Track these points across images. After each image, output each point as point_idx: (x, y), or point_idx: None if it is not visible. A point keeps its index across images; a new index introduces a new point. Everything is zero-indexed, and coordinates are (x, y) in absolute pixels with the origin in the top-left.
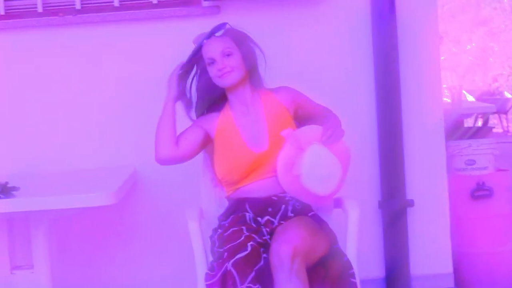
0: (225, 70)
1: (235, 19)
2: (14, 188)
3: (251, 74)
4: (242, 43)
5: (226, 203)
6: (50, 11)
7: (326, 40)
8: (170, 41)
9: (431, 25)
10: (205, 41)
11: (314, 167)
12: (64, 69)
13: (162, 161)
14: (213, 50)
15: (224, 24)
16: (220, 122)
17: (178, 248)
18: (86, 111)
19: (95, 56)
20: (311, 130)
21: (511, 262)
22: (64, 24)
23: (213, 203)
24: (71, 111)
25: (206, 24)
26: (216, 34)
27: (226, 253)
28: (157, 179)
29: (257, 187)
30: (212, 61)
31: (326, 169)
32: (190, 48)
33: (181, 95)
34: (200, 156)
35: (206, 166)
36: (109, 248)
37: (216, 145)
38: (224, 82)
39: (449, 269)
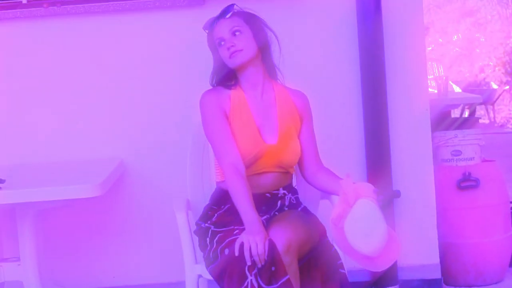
0: (234, 49)
1: (219, 10)
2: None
3: (264, 58)
4: (253, 22)
5: (213, 190)
6: (34, 3)
7: (311, 31)
8: (155, 31)
9: (416, 16)
10: (216, 22)
11: (357, 221)
12: (48, 61)
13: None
14: (222, 30)
15: (231, 6)
16: (233, 100)
17: (165, 239)
18: (72, 103)
19: (80, 48)
20: (367, 186)
21: (498, 252)
22: (49, 15)
23: (200, 194)
24: (56, 103)
25: (191, 15)
26: (226, 16)
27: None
28: (144, 170)
29: (254, 182)
30: (222, 41)
31: (368, 225)
32: (175, 39)
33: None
34: (187, 145)
35: (193, 156)
36: (96, 239)
37: (229, 125)
38: (234, 61)
39: (436, 259)
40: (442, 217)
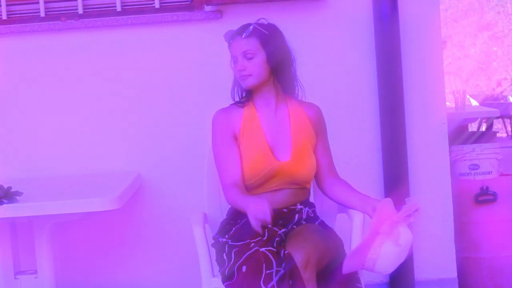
0: (243, 73)
1: (237, 23)
2: (17, 193)
3: (279, 76)
4: (269, 44)
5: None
6: (52, 16)
7: (328, 46)
8: (172, 45)
9: (433, 30)
10: (233, 39)
11: (400, 250)
12: (66, 74)
13: None
14: (236, 49)
15: (249, 26)
16: (244, 119)
17: (182, 253)
18: (89, 116)
19: (98, 61)
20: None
21: None
22: (66, 28)
23: (217, 208)
24: (74, 115)
25: (208, 29)
26: (243, 36)
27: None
28: (161, 184)
29: (270, 198)
30: (235, 60)
31: (404, 254)
32: (193, 52)
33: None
34: (205, 160)
35: (210, 170)
36: (113, 252)
37: (240, 144)
38: (243, 83)
39: (454, 274)
40: (460, 231)
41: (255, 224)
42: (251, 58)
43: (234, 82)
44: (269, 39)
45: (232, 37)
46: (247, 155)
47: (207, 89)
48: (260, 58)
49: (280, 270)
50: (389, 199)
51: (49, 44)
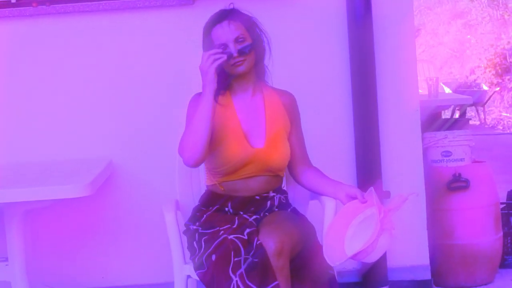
0: (239, 58)
1: (209, 10)
2: None
3: (256, 63)
4: (253, 29)
5: (202, 191)
6: (23, 2)
7: (301, 34)
8: (145, 31)
9: (406, 17)
10: (217, 25)
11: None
12: (37, 60)
13: (195, 164)
14: (226, 36)
15: (230, 10)
16: (219, 105)
17: (154, 239)
18: (61, 102)
19: (69, 47)
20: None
21: (488, 253)
22: (38, 14)
23: (189, 195)
24: (45, 102)
25: (180, 15)
26: (232, 20)
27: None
28: (133, 170)
29: (243, 185)
30: (225, 47)
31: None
32: (165, 39)
33: (220, 86)
34: (177, 146)
35: None
36: (85, 239)
37: (213, 129)
38: (237, 70)
39: (426, 261)
40: (432, 218)
41: (211, 62)
42: (243, 42)
43: (219, 75)
44: (253, 23)
45: (213, 24)
46: (221, 141)
47: (179, 75)
48: (249, 42)
49: (248, 258)
50: (371, 189)
51: (20, 30)
